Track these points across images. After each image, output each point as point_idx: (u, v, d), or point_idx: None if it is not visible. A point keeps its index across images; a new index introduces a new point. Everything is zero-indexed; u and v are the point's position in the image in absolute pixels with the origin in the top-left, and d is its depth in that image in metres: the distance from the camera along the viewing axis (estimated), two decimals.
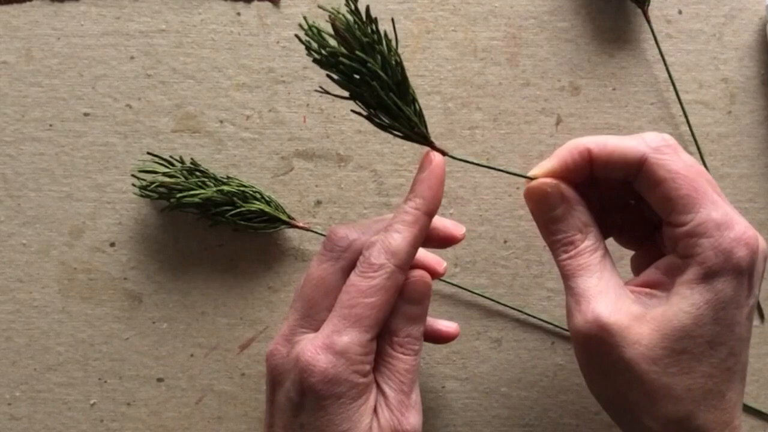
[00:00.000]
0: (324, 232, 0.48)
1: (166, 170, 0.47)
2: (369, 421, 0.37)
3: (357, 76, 0.36)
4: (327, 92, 0.37)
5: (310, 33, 0.36)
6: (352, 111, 0.37)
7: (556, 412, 0.48)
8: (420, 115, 0.38)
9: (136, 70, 0.49)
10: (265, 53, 0.49)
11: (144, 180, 0.47)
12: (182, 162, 0.48)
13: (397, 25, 0.49)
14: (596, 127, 0.49)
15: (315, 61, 0.36)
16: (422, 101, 0.49)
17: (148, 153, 0.48)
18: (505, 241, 0.49)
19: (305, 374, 0.37)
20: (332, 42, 0.36)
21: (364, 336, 0.37)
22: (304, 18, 0.36)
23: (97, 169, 0.49)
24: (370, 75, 0.36)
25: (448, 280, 0.48)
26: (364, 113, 0.37)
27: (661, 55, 0.49)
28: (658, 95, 0.50)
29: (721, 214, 0.36)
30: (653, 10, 0.50)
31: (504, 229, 0.49)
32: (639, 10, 0.50)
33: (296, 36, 0.36)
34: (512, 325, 0.49)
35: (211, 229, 0.48)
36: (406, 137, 0.38)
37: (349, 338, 0.37)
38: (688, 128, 0.49)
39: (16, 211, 0.49)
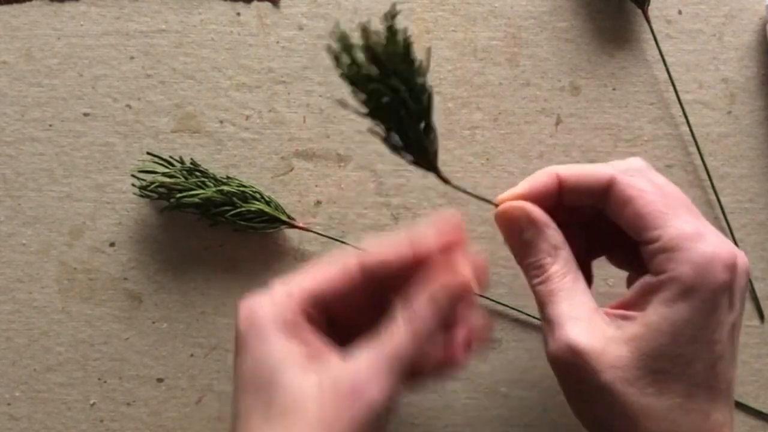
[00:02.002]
0: (324, 233, 0.48)
1: (166, 170, 0.47)
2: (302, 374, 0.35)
3: (383, 100, 0.34)
4: (347, 106, 0.35)
5: (342, 46, 0.33)
6: (369, 131, 0.35)
7: (556, 412, 0.48)
8: (435, 144, 0.36)
9: (136, 70, 0.49)
10: (265, 53, 0.49)
11: (144, 180, 0.47)
12: (182, 162, 0.48)
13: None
14: (596, 127, 0.49)
15: (342, 75, 0.34)
16: None
17: (148, 153, 0.48)
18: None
19: (238, 316, 0.36)
20: (361, 56, 0.34)
21: (301, 288, 0.36)
22: (338, 26, 0.34)
23: (97, 169, 0.49)
24: (399, 102, 0.34)
25: None
26: (382, 134, 0.36)
27: (661, 55, 0.49)
28: (658, 95, 0.50)
29: (692, 228, 0.35)
30: (653, 10, 0.50)
31: None
32: (639, 10, 0.50)
33: (328, 47, 0.34)
34: (512, 325, 0.49)
35: (211, 229, 0.48)
36: (416, 164, 0.37)
37: (284, 284, 0.36)
38: (688, 128, 0.49)
39: (16, 211, 0.49)
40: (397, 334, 0.35)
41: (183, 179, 0.46)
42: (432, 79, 0.49)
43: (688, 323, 0.35)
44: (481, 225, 0.49)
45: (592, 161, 0.49)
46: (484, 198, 0.39)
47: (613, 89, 0.50)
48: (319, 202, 0.49)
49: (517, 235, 0.39)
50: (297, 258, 0.49)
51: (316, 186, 0.49)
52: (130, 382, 0.48)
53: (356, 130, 0.49)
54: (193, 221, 0.48)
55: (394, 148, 0.36)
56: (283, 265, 0.49)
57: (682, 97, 0.49)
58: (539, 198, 0.38)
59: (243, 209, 0.46)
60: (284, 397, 0.34)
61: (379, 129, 0.36)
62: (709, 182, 0.49)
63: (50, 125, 0.49)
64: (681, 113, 0.49)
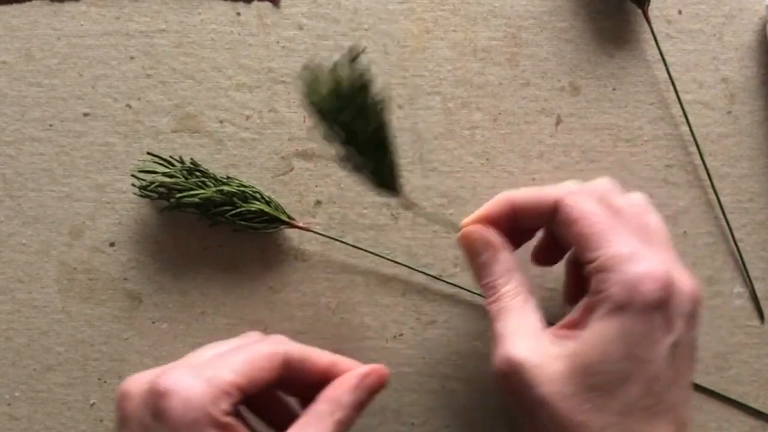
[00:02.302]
0: (324, 233, 0.48)
1: (166, 170, 0.47)
2: None
3: (348, 131, 0.38)
4: (330, 140, 0.39)
5: (310, 80, 0.38)
6: (339, 163, 0.39)
7: None
8: (396, 171, 0.40)
9: (136, 70, 0.49)
10: (265, 53, 0.49)
11: (144, 180, 0.47)
12: (182, 162, 0.48)
13: (396, 25, 0.49)
14: (596, 127, 0.49)
15: (310, 104, 0.38)
16: (422, 101, 0.49)
17: (148, 153, 0.48)
18: None
19: (162, 397, 0.36)
20: (325, 94, 0.38)
21: (236, 378, 0.37)
22: (308, 65, 0.38)
23: (97, 169, 0.49)
24: (356, 133, 0.38)
25: (448, 280, 0.48)
26: (348, 165, 0.40)
27: (661, 55, 0.49)
28: (658, 95, 0.50)
29: (629, 250, 0.37)
30: (653, 10, 0.50)
31: None
32: (639, 11, 0.50)
33: (299, 83, 0.39)
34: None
35: (211, 229, 0.48)
36: (380, 189, 0.40)
37: (221, 374, 0.37)
38: (688, 128, 0.49)
39: (16, 211, 0.49)
40: (322, 423, 0.39)
41: (183, 179, 0.46)
42: (432, 79, 0.49)
43: (619, 340, 0.36)
44: None
45: (592, 161, 0.49)
46: (448, 223, 0.44)
47: (613, 89, 0.50)
48: (319, 202, 0.49)
49: (474, 256, 0.42)
50: (297, 258, 0.49)
51: (316, 186, 0.49)
52: None
53: None
54: (193, 221, 0.48)
55: (359, 174, 0.40)
56: (283, 265, 0.49)
57: (682, 97, 0.49)
58: (496, 222, 0.41)
59: (243, 209, 0.46)
60: None
61: (348, 157, 0.39)
62: (709, 182, 0.49)
63: (50, 125, 0.49)
64: (681, 113, 0.49)
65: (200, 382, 0.36)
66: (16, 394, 0.48)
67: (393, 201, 0.49)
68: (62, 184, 0.49)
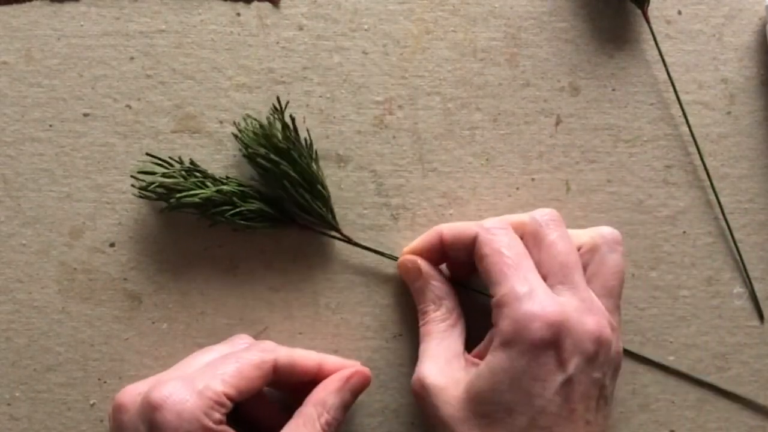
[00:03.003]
0: (324, 232, 0.48)
1: (165, 171, 0.47)
2: None
3: (275, 172, 0.45)
4: (257, 182, 0.46)
5: (242, 134, 0.46)
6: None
7: None
8: (328, 207, 0.46)
9: (135, 70, 0.49)
10: (265, 54, 0.49)
11: (143, 181, 0.47)
12: (181, 162, 0.48)
13: (396, 25, 0.49)
14: (596, 128, 0.49)
15: (244, 156, 0.46)
16: (422, 101, 0.49)
17: (147, 154, 0.48)
18: None
19: (156, 410, 0.37)
20: (262, 140, 0.45)
21: (226, 389, 0.39)
22: (244, 118, 0.47)
23: (97, 170, 0.49)
24: (281, 174, 0.45)
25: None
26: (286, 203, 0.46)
27: (661, 56, 0.49)
28: (658, 95, 0.50)
29: (525, 289, 0.39)
30: (653, 10, 0.50)
31: None
32: (639, 11, 0.50)
33: (232, 133, 0.47)
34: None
35: (211, 230, 0.48)
36: (313, 223, 0.46)
37: (211, 385, 0.39)
38: (687, 128, 0.49)
39: (16, 211, 0.49)
40: (310, 426, 0.40)
41: (182, 179, 0.46)
42: (432, 80, 0.49)
43: (505, 372, 0.38)
44: None
45: (592, 161, 0.49)
46: (388, 254, 0.47)
47: (613, 89, 0.50)
48: None
49: (410, 283, 0.46)
50: (297, 258, 0.49)
51: None
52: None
53: (356, 131, 0.49)
54: (193, 221, 0.48)
55: (296, 214, 0.46)
56: (283, 265, 0.49)
57: (681, 97, 0.49)
58: (429, 253, 0.45)
59: (242, 208, 0.46)
60: None
61: (283, 197, 0.45)
62: (709, 182, 0.49)
63: (50, 125, 0.49)
64: (681, 113, 0.49)
65: (192, 394, 0.38)
66: (16, 394, 0.48)
67: (391, 202, 0.49)
68: (62, 184, 0.49)
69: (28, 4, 0.50)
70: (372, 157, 0.49)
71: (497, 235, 0.41)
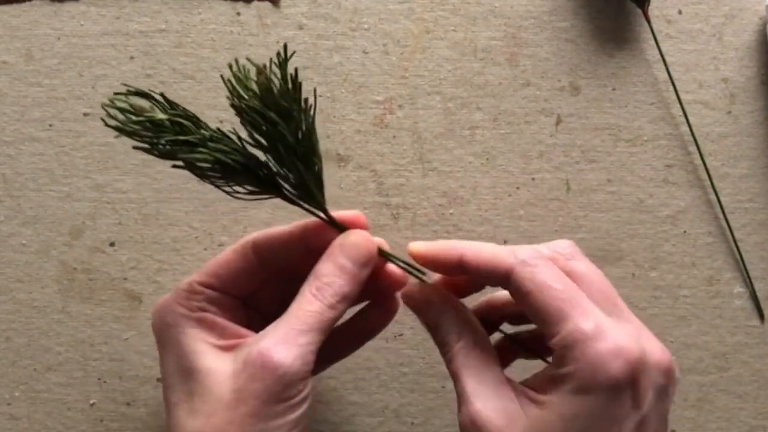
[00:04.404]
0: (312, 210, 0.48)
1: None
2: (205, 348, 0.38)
3: (268, 135, 0.37)
4: (240, 138, 0.37)
5: (235, 78, 0.36)
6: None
7: None
8: (320, 183, 0.39)
9: (136, 70, 0.49)
10: (265, 53, 0.49)
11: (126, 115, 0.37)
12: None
13: (396, 25, 0.49)
14: (596, 127, 0.49)
15: (232, 106, 0.36)
16: (422, 101, 0.49)
17: (123, 84, 0.39)
18: (505, 241, 0.49)
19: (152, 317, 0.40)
20: (252, 91, 0.36)
21: (197, 277, 0.39)
22: (236, 60, 0.36)
23: (97, 169, 0.49)
24: (278, 137, 0.37)
25: None
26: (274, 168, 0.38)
27: (661, 55, 0.49)
28: (658, 95, 0.50)
29: (592, 325, 0.35)
30: (653, 10, 0.50)
31: (504, 229, 0.49)
32: (639, 10, 0.50)
33: (221, 76, 0.36)
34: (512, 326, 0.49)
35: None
36: (302, 199, 0.39)
37: (186, 279, 0.39)
38: (688, 128, 0.49)
39: (16, 211, 0.49)
40: (302, 301, 0.37)
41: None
42: (432, 79, 0.49)
43: (580, 419, 0.34)
44: (480, 225, 0.49)
45: (592, 161, 0.49)
46: (409, 266, 0.41)
47: (613, 89, 0.50)
48: None
49: (422, 316, 0.40)
50: None
51: None
52: (130, 382, 0.48)
53: (356, 130, 0.49)
54: (193, 222, 0.48)
55: (281, 183, 0.38)
56: None
57: (682, 97, 0.49)
58: (446, 267, 0.39)
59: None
60: (203, 383, 0.37)
61: (272, 165, 0.38)
62: (709, 182, 0.49)
63: (50, 125, 0.49)
64: (681, 113, 0.49)
65: (170, 293, 0.39)
66: (16, 394, 0.48)
67: (392, 201, 0.49)
68: (62, 184, 0.49)
69: (28, 3, 0.50)
70: (372, 157, 0.49)
71: (538, 267, 0.37)
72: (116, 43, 0.49)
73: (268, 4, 0.50)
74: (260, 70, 0.36)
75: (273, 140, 0.37)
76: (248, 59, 0.36)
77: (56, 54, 0.49)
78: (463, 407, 0.37)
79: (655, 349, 0.36)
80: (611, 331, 0.35)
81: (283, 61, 0.37)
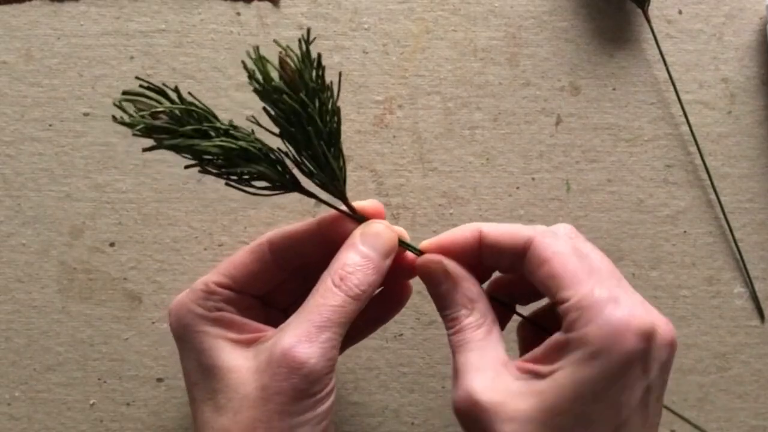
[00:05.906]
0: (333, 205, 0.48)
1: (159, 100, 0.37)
2: (222, 346, 0.38)
3: (293, 118, 0.36)
4: (258, 123, 0.36)
5: (257, 63, 0.36)
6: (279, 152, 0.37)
7: None
8: (343, 170, 0.38)
9: (136, 70, 0.49)
10: (265, 53, 0.49)
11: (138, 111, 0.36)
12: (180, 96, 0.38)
13: (397, 25, 0.49)
14: (596, 127, 0.49)
15: (256, 91, 0.36)
16: (422, 101, 0.49)
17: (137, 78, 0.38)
18: None
19: (168, 317, 0.41)
20: (276, 76, 0.36)
21: (214, 278, 0.39)
22: (255, 48, 0.36)
23: (97, 169, 0.49)
24: (307, 119, 0.36)
25: None
26: (292, 156, 0.37)
27: (661, 55, 0.49)
28: (658, 95, 0.50)
29: (607, 292, 0.35)
30: (653, 10, 0.50)
31: None
32: (639, 10, 0.50)
33: (242, 62, 0.36)
34: (513, 326, 0.49)
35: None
36: (323, 187, 0.38)
37: (202, 278, 0.40)
38: (688, 128, 0.49)
39: (15, 211, 0.49)
40: (324, 294, 0.37)
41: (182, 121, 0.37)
42: (432, 79, 0.49)
43: (594, 384, 0.34)
44: None
45: (592, 161, 0.49)
46: (411, 246, 0.40)
47: (613, 89, 0.50)
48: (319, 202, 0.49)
49: (433, 286, 0.40)
50: None
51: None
52: (129, 382, 0.48)
53: (356, 130, 0.49)
54: (193, 222, 0.48)
55: (304, 173, 0.38)
56: None
57: (682, 97, 0.49)
58: (460, 250, 0.39)
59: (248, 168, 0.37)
60: (225, 380, 0.37)
61: (290, 150, 0.37)
62: (709, 182, 0.49)
63: (50, 125, 0.49)
64: (681, 113, 0.49)
65: (186, 292, 0.40)
66: (16, 394, 0.48)
67: (392, 201, 0.49)
68: (62, 184, 0.49)
69: (28, 3, 0.50)
70: (372, 157, 0.49)
71: (557, 238, 0.37)
72: (116, 43, 0.49)
73: (268, 4, 0.50)
74: (287, 54, 0.35)
75: (301, 123, 0.36)
76: (275, 41, 0.36)
77: (56, 54, 0.49)
78: (461, 381, 0.37)
79: (664, 324, 0.36)
80: (628, 300, 0.35)
81: (307, 45, 0.36)
